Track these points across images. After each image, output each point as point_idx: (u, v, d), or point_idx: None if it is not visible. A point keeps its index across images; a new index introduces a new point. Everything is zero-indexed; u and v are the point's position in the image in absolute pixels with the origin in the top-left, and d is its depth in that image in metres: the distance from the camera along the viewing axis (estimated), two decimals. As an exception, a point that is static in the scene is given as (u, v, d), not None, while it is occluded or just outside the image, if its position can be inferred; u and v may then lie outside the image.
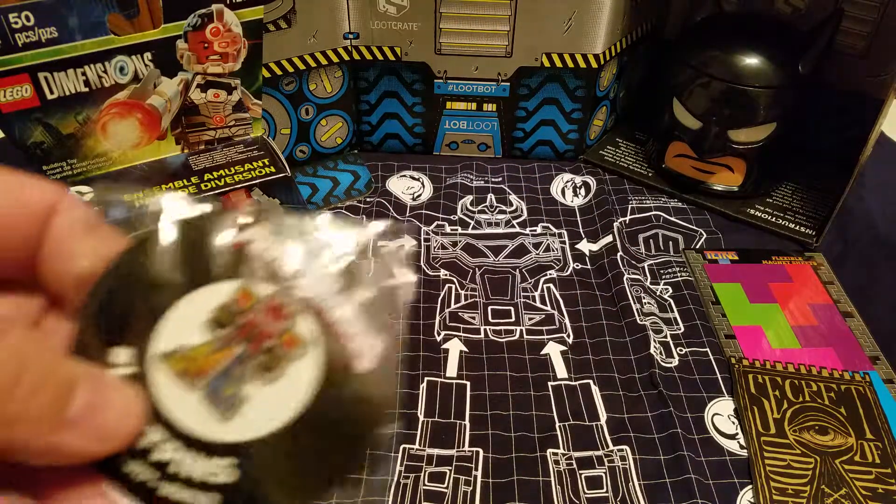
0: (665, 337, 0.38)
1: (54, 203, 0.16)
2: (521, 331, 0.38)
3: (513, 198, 0.48)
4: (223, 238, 0.17)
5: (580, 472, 0.31)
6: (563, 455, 0.32)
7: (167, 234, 0.17)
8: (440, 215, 0.46)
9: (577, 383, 0.36)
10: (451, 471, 0.31)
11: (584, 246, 0.45)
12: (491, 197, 0.48)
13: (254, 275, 0.16)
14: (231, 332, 0.16)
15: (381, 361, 0.17)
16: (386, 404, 0.16)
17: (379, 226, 0.18)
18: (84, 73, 0.36)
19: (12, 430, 0.13)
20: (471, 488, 0.31)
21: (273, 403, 0.16)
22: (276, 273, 0.17)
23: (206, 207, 0.17)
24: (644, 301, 0.40)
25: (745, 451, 0.32)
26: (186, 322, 0.16)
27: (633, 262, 0.43)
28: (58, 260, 0.16)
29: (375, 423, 0.16)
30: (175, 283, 0.16)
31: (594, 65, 0.47)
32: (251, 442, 0.15)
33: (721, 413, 0.34)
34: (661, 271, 0.43)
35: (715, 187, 0.47)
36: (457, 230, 0.45)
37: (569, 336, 0.38)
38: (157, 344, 0.16)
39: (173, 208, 0.17)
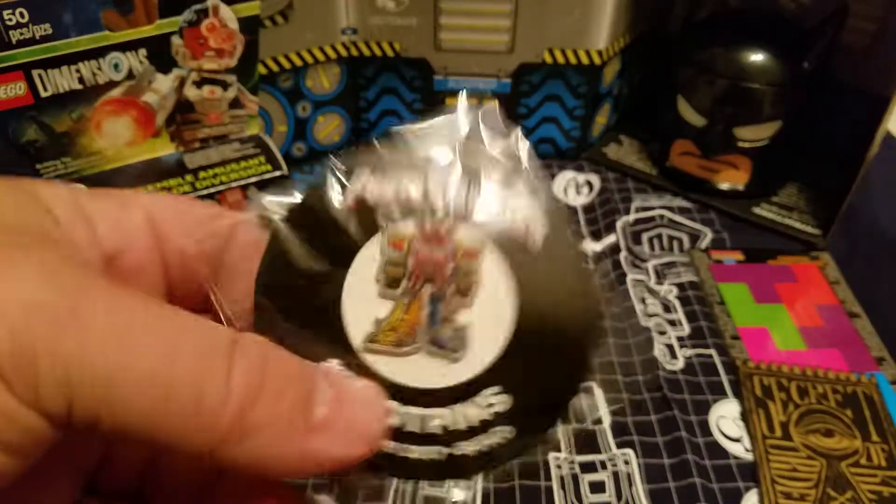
0: (669, 338, 0.38)
1: (235, 227, 0.16)
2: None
3: (514, 196, 0.48)
4: (338, 206, 0.16)
5: (583, 476, 0.31)
6: (566, 459, 0.32)
7: (288, 227, 0.16)
8: (440, 214, 0.46)
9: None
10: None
11: (587, 245, 0.44)
12: (492, 195, 0.48)
13: (389, 219, 0.16)
14: (409, 283, 0.16)
15: (550, 227, 0.16)
16: (573, 265, 0.16)
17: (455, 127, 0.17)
18: (78, 71, 0.35)
19: (260, 439, 0.13)
20: (471, 493, 0.30)
21: (489, 317, 0.16)
22: (406, 205, 0.16)
23: (297, 195, 0.17)
24: (648, 302, 0.40)
25: (751, 454, 0.32)
26: (363, 300, 0.16)
27: (637, 263, 0.43)
28: (235, 280, 0.16)
29: (585, 290, 0.16)
30: (327, 270, 0.16)
31: (597, 61, 0.46)
32: (498, 360, 0.15)
33: (726, 416, 0.34)
34: (666, 271, 0.42)
35: (720, 186, 0.47)
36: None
37: (571, 337, 0.38)
38: (355, 333, 0.15)
39: (274, 203, 0.16)
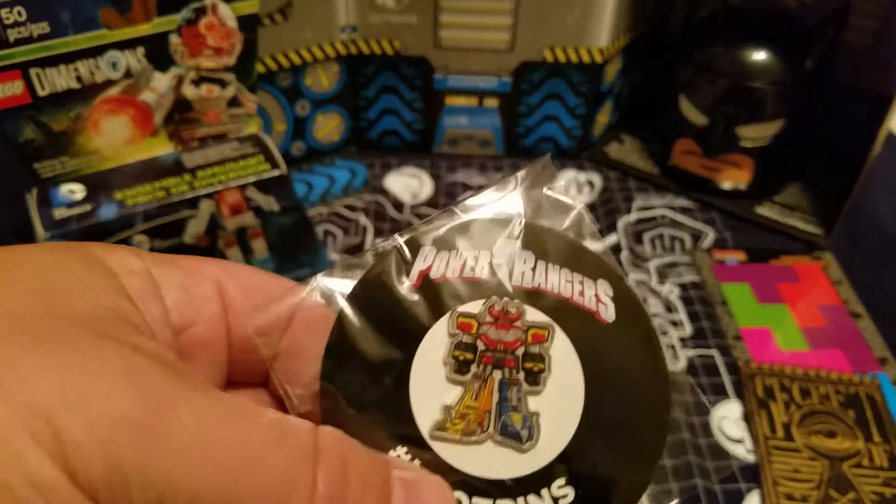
0: (671, 339, 0.38)
1: (299, 304, 0.16)
2: None
3: (514, 195, 0.48)
4: (403, 286, 0.16)
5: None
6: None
7: (352, 308, 0.16)
8: (440, 213, 0.46)
9: (580, 386, 0.35)
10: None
11: (588, 245, 0.44)
12: (492, 195, 0.47)
13: (457, 299, 0.16)
14: (478, 367, 0.15)
15: (620, 300, 0.16)
16: (649, 341, 0.16)
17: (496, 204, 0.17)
18: (76, 69, 0.35)
19: None
20: (471, 495, 0.30)
21: (559, 404, 0.15)
22: (474, 284, 0.16)
23: (358, 272, 0.16)
24: (650, 302, 0.40)
25: (752, 455, 0.32)
26: (430, 384, 0.15)
27: (639, 262, 0.42)
28: (296, 361, 0.16)
29: (657, 372, 0.16)
30: (393, 353, 0.15)
31: (598, 59, 0.46)
32: (566, 450, 0.15)
33: (728, 417, 0.34)
34: (668, 271, 0.42)
35: (722, 186, 0.47)
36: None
37: (572, 337, 0.38)
38: (422, 420, 0.15)
39: (338, 285, 0.16)
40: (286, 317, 0.16)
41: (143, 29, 0.36)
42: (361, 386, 0.15)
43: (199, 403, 0.12)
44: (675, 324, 0.38)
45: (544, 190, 0.17)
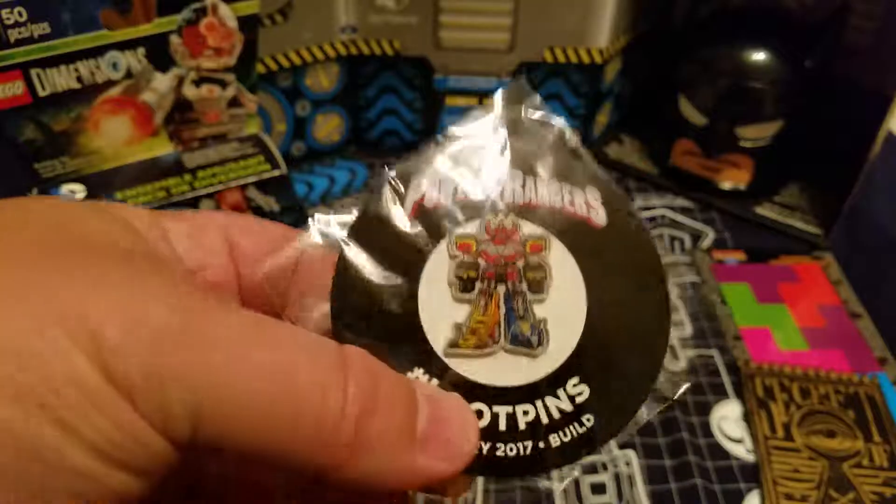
0: (671, 339, 0.38)
1: (303, 248, 0.16)
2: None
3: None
4: (399, 216, 0.16)
5: (584, 477, 0.31)
6: (566, 460, 0.32)
7: (353, 244, 0.16)
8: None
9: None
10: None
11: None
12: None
13: (453, 222, 0.16)
14: (483, 283, 0.16)
15: (609, 203, 0.17)
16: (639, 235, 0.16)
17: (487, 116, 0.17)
18: (77, 70, 0.35)
19: (374, 456, 0.13)
20: (471, 495, 0.30)
21: (564, 308, 0.16)
22: (468, 206, 0.16)
23: (352, 212, 0.17)
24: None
25: (752, 455, 0.32)
26: (439, 306, 0.16)
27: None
28: (306, 301, 0.16)
29: (651, 263, 0.16)
30: (399, 281, 0.16)
31: (598, 60, 0.46)
32: (576, 350, 0.16)
33: (728, 417, 0.34)
34: (668, 271, 0.42)
35: (722, 186, 0.47)
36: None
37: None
38: (436, 340, 0.16)
39: (336, 225, 0.17)
40: (292, 261, 0.16)
41: (144, 29, 0.36)
42: (371, 317, 0.16)
43: (233, 317, 0.12)
44: (675, 324, 0.38)
45: (524, 109, 0.18)
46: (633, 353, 0.16)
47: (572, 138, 0.17)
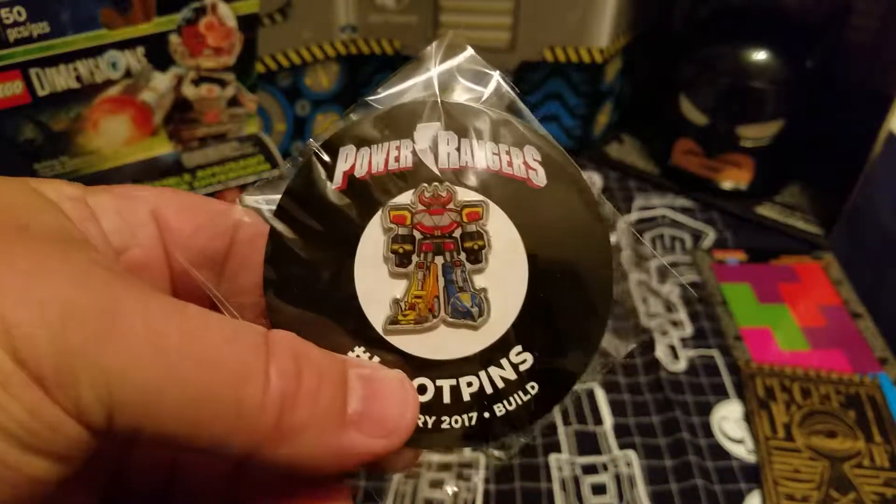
0: (672, 339, 0.37)
1: (237, 223, 0.16)
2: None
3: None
4: (328, 189, 0.16)
5: (584, 478, 0.31)
6: (567, 461, 0.31)
7: (282, 220, 0.16)
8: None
9: (581, 387, 0.35)
10: (451, 477, 0.31)
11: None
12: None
13: (386, 193, 0.16)
14: (419, 256, 0.15)
15: (549, 163, 0.16)
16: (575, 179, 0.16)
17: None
18: (76, 69, 0.35)
19: (301, 440, 0.13)
20: (471, 495, 0.30)
21: (504, 276, 0.15)
22: (400, 175, 0.16)
23: (282, 185, 0.16)
24: (650, 302, 0.39)
25: (753, 455, 0.32)
26: (376, 282, 0.15)
27: (640, 262, 0.42)
28: (241, 275, 0.16)
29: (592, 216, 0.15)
30: (333, 257, 0.15)
31: (599, 59, 0.46)
32: (518, 318, 0.15)
33: (729, 417, 0.34)
34: (668, 271, 0.42)
35: (723, 185, 0.47)
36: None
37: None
38: (374, 317, 0.15)
39: (264, 201, 0.16)
40: (225, 239, 0.16)
41: (143, 29, 0.36)
42: (307, 295, 0.15)
43: (148, 302, 0.12)
44: (675, 324, 0.38)
45: (456, 63, 0.17)
46: (577, 317, 0.15)
47: (509, 93, 0.17)
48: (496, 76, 0.17)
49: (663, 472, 0.31)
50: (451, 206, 0.15)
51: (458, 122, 0.16)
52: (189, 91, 0.38)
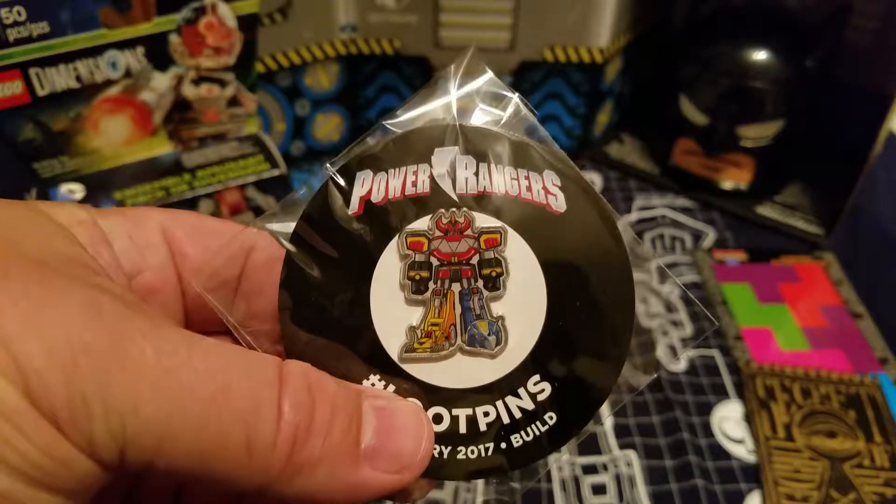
0: (672, 339, 0.37)
1: (251, 248, 0.16)
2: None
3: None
4: (344, 215, 0.15)
5: (584, 478, 0.31)
6: (567, 461, 0.31)
7: (298, 246, 0.15)
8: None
9: (580, 386, 0.35)
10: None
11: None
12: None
13: (403, 219, 0.15)
14: (436, 283, 0.15)
15: (569, 188, 0.16)
16: (597, 221, 0.15)
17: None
18: (75, 69, 0.35)
19: (314, 475, 0.12)
20: (471, 496, 0.30)
21: (523, 303, 0.15)
22: (417, 200, 0.15)
23: (299, 209, 0.16)
24: (650, 302, 0.39)
25: (753, 455, 0.32)
26: (392, 309, 0.15)
27: (639, 262, 0.42)
28: (255, 300, 0.16)
29: (609, 253, 0.15)
30: (348, 284, 0.15)
31: (599, 59, 0.46)
32: (536, 346, 0.15)
33: (729, 417, 0.34)
34: (669, 271, 0.42)
35: (723, 185, 0.47)
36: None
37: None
38: (390, 345, 0.15)
39: (281, 226, 0.16)
40: (239, 260, 0.16)
41: (143, 28, 0.36)
42: (322, 322, 0.15)
43: (160, 334, 0.12)
44: (675, 324, 0.38)
45: (475, 87, 0.16)
46: (596, 347, 0.15)
47: (528, 115, 0.16)
48: (515, 98, 0.17)
49: (663, 472, 0.31)
50: (468, 232, 0.15)
51: (476, 146, 0.16)
52: (189, 91, 0.38)
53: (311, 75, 0.46)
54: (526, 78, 0.47)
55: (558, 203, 0.15)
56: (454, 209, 0.15)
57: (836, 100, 0.46)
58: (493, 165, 0.15)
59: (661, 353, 0.36)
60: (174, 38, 0.37)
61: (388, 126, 0.16)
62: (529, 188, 0.15)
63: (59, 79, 0.35)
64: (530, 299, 0.15)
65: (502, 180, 0.15)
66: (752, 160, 0.45)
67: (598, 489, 0.30)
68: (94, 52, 0.35)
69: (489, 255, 0.15)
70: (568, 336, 0.15)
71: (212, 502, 0.16)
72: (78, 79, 0.35)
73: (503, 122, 0.16)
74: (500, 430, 0.15)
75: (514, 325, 0.15)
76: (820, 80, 0.43)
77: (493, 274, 0.15)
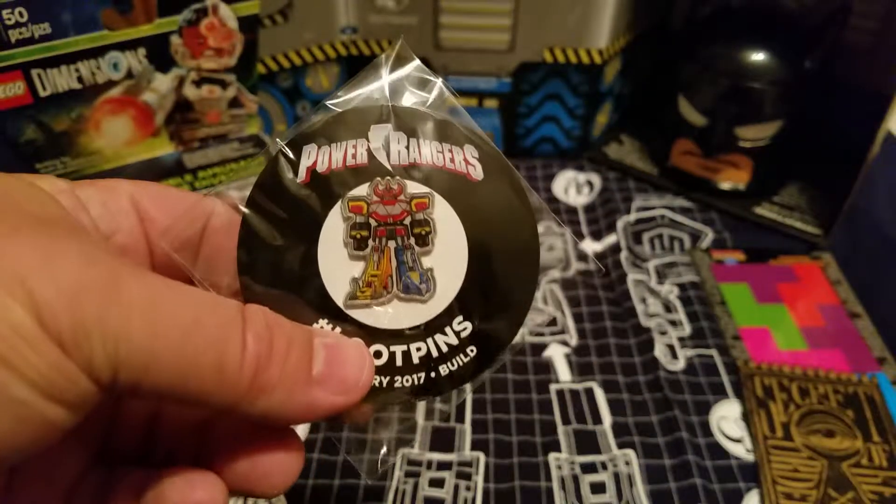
0: (670, 339, 0.38)
1: (210, 214, 0.18)
2: (523, 332, 0.38)
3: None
4: (293, 183, 0.18)
5: (583, 476, 0.31)
6: (566, 460, 0.32)
7: (253, 211, 0.18)
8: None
9: (580, 386, 0.35)
10: (451, 476, 0.31)
11: (588, 245, 0.44)
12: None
13: (344, 186, 0.18)
14: (375, 241, 0.18)
15: (486, 159, 0.18)
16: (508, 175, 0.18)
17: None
18: (77, 70, 0.35)
19: (274, 395, 0.15)
20: (471, 494, 0.30)
21: (448, 257, 0.18)
22: (356, 168, 0.18)
23: (252, 179, 0.18)
24: (649, 302, 0.40)
25: (751, 454, 0.32)
26: (337, 264, 0.18)
27: (638, 262, 0.43)
28: (215, 260, 0.18)
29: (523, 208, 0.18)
30: (299, 244, 0.18)
31: (598, 60, 0.46)
32: (459, 293, 0.18)
33: (727, 416, 0.34)
34: (667, 271, 0.42)
35: (721, 186, 0.47)
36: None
37: (572, 338, 0.38)
38: (336, 294, 0.18)
39: (237, 193, 0.18)
40: (199, 223, 0.18)
41: (145, 30, 0.36)
42: (276, 276, 0.17)
43: (143, 276, 0.14)
44: (674, 324, 0.38)
45: (405, 72, 0.19)
46: (508, 292, 0.18)
47: (450, 97, 0.19)
48: (439, 83, 0.19)
49: (662, 471, 0.31)
50: (401, 197, 0.18)
51: (406, 123, 0.18)
52: (190, 92, 0.39)
53: (312, 76, 0.46)
54: (525, 79, 0.47)
55: (476, 172, 0.18)
56: (389, 178, 0.18)
57: (834, 100, 0.47)
58: (421, 140, 0.18)
59: (660, 352, 0.36)
60: (175, 40, 0.37)
61: (330, 106, 0.18)
62: (452, 160, 0.18)
63: (61, 80, 0.35)
64: (454, 253, 0.18)
65: (429, 153, 0.18)
66: (750, 161, 0.45)
67: (597, 488, 0.30)
68: (96, 53, 0.35)
69: (419, 216, 0.18)
70: (485, 283, 0.18)
71: (177, 438, 0.19)
72: (80, 80, 0.35)
73: (429, 103, 0.19)
74: (430, 362, 0.18)
75: (441, 275, 0.18)
76: (818, 81, 0.43)
77: (423, 232, 0.18)
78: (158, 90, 0.38)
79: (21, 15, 0.32)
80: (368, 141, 0.18)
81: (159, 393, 0.14)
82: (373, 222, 0.18)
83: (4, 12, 0.32)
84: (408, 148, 0.18)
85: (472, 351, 0.18)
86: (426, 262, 0.18)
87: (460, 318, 0.18)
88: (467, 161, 0.18)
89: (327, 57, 0.45)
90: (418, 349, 0.18)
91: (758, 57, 0.42)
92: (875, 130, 0.40)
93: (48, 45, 0.34)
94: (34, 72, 0.34)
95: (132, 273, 0.14)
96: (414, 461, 0.31)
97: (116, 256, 0.14)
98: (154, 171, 0.38)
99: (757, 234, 0.45)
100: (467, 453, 0.32)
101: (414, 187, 0.18)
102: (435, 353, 0.18)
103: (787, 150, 0.46)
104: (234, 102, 0.40)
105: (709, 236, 0.45)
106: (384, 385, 0.18)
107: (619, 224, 0.45)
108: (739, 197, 0.47)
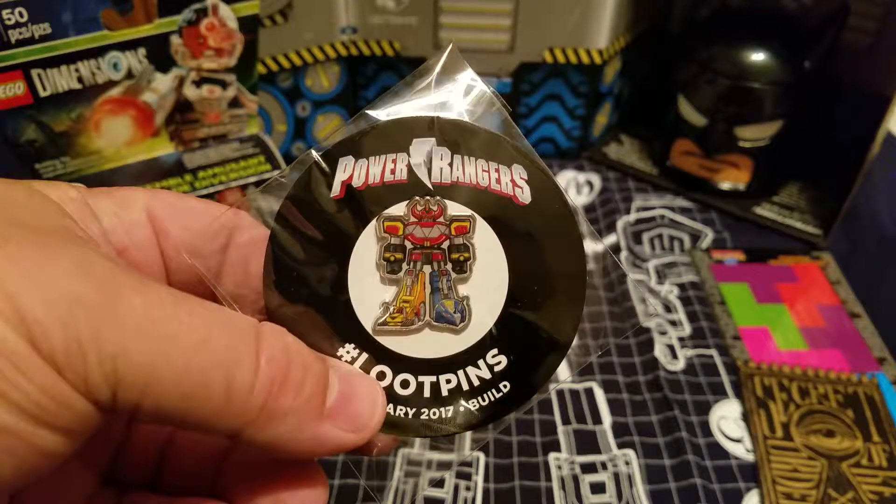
0: (670, 339, 0.38)
1: (234, 227, 0.17)
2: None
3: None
4: (326, 198, 0.17)
5: (583, 476, 0.31)
6: (566, 460, 0.32)
7: (282, 227, 0.17)
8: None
9: (580, 386, 0.35)
10: (451, 476, 0.31)
11: (588, 245, 0.44)
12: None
13: (380, 204, 0.17)
14: (409, 265, 0.17)
15: (535, 181, 0.17)
16: (559, 207, 0.17)
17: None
18: (77, 70, 0.35)
19: (283, 424, 0.14)
20: (471, 493, 0.30)
21: (486, 286, 0.17)
22: (394, 185, 0.17)
23: (283, 191, 0.17)
24: (648, 302, 0.40)
25: (751, 454, 0.32)
26: (368, 286, 0.16)
27: (638, 262, 0.43)
28: (238, 275, 0.17)
29: (570, 234, 0.17)
30: (329, 263, 0.16)
31: (598, 60, 0.46)
32: (496, 324, 0.17)
33: (727, 416, 0.34)
34: (667, 271, 0.42)
35: (721, 186, 0.47)
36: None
37: (571, 337, 0.38)
38: (365, 318, 0.16)
39: (266, 205, 0.17)
40: (221, 238, 0.17)
41: (145, 30, 0.36)
42: (303, 295, 0.16)
43: (147, 289, 0.13)
44: (673, 324, 0.38)
45: (455, 80, 0.18)
46: (549, 328, 0.17)
47: (501, 110, 0.17)
48: (490, 94, 0.18)
49: (662, 471, 0.31)
50: (441, 219, 0.17)
51: (451, 138, 0.17)
52: (190, 92, 0.39)
53: (312, 76, 0.46)
54: (525, 79, 0.47)
55: (524, 195, 0.17)
56: (429, 197, 0.17)
57: (834, 101, 0.47)
58: (466, 157, 0.17)
59: (659, 352, 0.37)
60: (175, 40, 0.37)
61: (370, 115, 0.17)
62: (499, 180, 0.17)
63: (61, 80, 0.35)
64: (493, 282, 0.17)
65: (474, 172, 0.17)
66: (750, 161, 0.45)
67: (597, 488, 0.30)
68: (96, 53, 0.35)
69: (458, 241, 0.17)
70: (524, 315, 0.17)
71: (191, 466, 0.17)
72: (80, 80, 0.35)
73: (478, 116, 0.17)
74: (459, 396, 0.17)
75: (477, 305, 0.17)
76: (818, 81, 0.44)
77: (461, 259, 0.17)
78: (158, 90, 0.38)
79: (21, 15, 0.32)
80: (409, 156, 0.17)
81: (162, 413, 0.13)
82: (408, 244, 0.16)
83: (4, 12, 0.32)
84: (451, 165, 0.17)
85: (504, 387, 0.17)
86: (462, 289, 0.17)
87: (495, 351, 0.17)
88: (514, 182, 0.17)
89: (327, 57, 0.45)
90: (448, 381, 0.17)
91: (757, 57, 0.42)
92: (875, 131, 0.40)
93: (48, 45, 0.34)
94: (34, 72, 0.34)
95: (133, 284, 0.13)
96: (414, 461, 0.31)
97: (118, 267, 0.13)
98: (154, 171, 0.38)
99: (757, 234, 0.45)
100: (467, 453, 0.32)
101: (455, 209, 0.17)
102: (466, 387, 0.17)
103: (787, 150, 0.46)
104: (234, 102, 0.40)
105: (708, 236, 0.45)
106: (410, 416, 0.16)
107: (619, 224, 0.45)
108: (739, 197, 0.47)
